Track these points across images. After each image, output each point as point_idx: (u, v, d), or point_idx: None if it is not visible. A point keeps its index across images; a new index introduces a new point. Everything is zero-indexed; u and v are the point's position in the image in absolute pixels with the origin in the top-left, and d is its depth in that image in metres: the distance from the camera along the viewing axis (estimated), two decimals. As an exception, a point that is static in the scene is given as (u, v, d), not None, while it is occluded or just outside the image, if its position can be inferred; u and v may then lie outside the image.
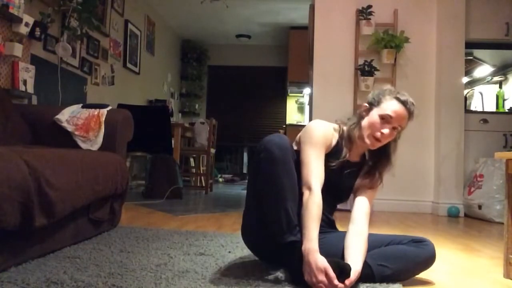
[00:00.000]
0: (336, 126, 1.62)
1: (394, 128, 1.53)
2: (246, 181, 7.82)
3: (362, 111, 1.59)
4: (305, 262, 1.30)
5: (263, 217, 1.43)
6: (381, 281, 1.43)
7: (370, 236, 1.52)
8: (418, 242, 1.52)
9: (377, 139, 1.53)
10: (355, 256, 1.40)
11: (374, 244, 1.51)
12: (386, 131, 1.51)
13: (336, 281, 1.26)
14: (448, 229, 3.04)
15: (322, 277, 1.26)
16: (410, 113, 1.54)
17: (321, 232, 1.45)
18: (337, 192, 1.63)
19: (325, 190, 1.45)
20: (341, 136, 1.60)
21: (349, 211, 1.62)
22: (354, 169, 1.63)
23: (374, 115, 1.54)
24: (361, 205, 1.59)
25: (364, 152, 1.65)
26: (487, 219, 3.52)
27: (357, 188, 1.65)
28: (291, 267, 1.38)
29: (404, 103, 1.52)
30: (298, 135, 1.57)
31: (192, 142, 5.55)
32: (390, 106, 1.52)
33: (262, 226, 1.45)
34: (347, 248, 1.44)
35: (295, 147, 1.54)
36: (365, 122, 1.55)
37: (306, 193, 1.42)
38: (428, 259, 1.51)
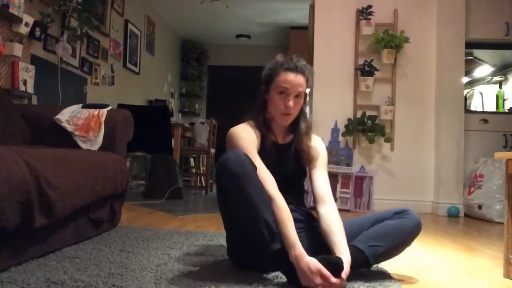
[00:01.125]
0: (251, 122, 1.63)
1: (296, 96, 1.53)
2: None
3: (261, 93, 1.60)
4: (297, 269, 1.29)
5: (244, 234, 1.41)
6: (376, 261, 1.44)
7: (355, 221, 1.53)
8: (401, 213, 1.54)
9: (287, 114, 1.54)
10: (340, 243, 1.39)
11: (360, 228, 1.52)
12: (290, 103, 1.52)
13: (333, 279, 1.25)
14: (448, 229, 3.04)
15: (318, 280, 1.25)
16: (306, 76, 1.54)
17: (304, 230, 1.45)
18: (292, 178, 1.62)
19: (279, 183, 1.45)
20: (259, 128, 1.60)
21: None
22: (290, 149, 1.63)
23: (272, 95, 1.55)
24: (320, 181, 1.58)
25: (289, 129, 1.65)
26: (487, 219, 3.52)
27: (306, 165, 1.64)
28: (287, 274, 1.37)
29: (294, 69, 1.52)
30: (227, 148, 1.54)
31: (192, 142, 5.55)
32: (282, 78, 1.52)
33: (246, 242, 1.43)
34: (328, 234, 1.43)
35: None
36: (269, 104, 1.58)
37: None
38: (414, 228, 1.52)
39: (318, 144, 1.66)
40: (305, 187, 1.75)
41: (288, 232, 1.33)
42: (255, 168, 1.41)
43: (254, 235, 1.35)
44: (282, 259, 1.33)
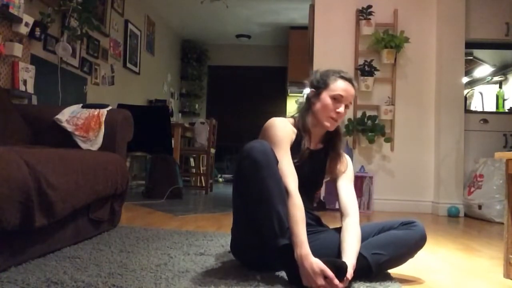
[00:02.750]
0: (291, 119, 1.66)
1: (346, 106, 1.59)
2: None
3: (311, 96, 1.62)
4: (300, 268, 1.29)
5: (254, 224, 1.41)
6: (379, 269, 1.44)
7: (361, 227, 1.53)
8: (408, 224, 1.54)
9: (334, 119, 1.58)
10: (350, 249, 1.40)
11: (366, 234, 1.52)
12: (341, 109, 1.57)
13: (336, 281, 1.25)
14: (448, 229, 3.04)
15: (321, 281, 1.25)
16: (355, 89, 1.62)
17: (312, 233, 1.45)
18: (311, 184, 1.65)
19: (300, 185, 1.46)
20: (298, 128, 1.62)
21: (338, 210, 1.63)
22: (320, 156, 1.66)
23: (325, 98, 1.58)
24: (346, 193, 1.60)
25: (322, 138, 1.68)
26: (487, 219, 3.52)
27: (332, 175, 1.67)
28: (289, 272, 1.37)
29: (350, 80, 1.59)
30: (260, 136, 1.57)
31: (192, 142, 5.55)
32: (339, 86, 1.57)
33: (254, 234, 1.43)
34: (341, 242, 1.45)
35: None
36: (317, 107, 1.59)
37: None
38: (419, 240, 1.52)
39: (347, 158, 1.71)
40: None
41: (299, 230, 1.34)
42: (277, 161, 1.42)
43: (264, 226, 1.35)
44: (287, 255, 1.33)
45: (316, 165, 1.64)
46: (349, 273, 1.30)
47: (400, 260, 1.51)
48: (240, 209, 1.53)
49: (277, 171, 1.40)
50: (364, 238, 1.50)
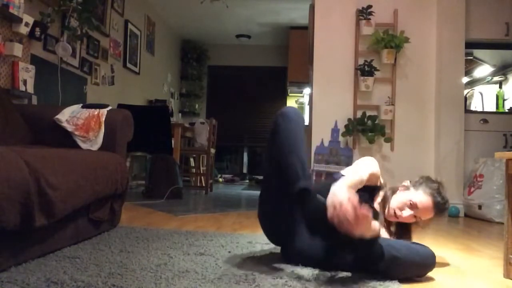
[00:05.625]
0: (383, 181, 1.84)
1: (415, 216, 1.68)
2: (246, 181, 7.84)
3: (401, 186, 1.77)
4: (332, 191, 1.33)
5: (279, 169, 1.51)
6: (390, 263, 1.43)
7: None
8: (421, 245, 1.58)
9: (395, 216, 1.69)
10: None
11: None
12: (405, 213, 1.67)
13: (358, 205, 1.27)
14: (448, 229, 3.04)
15: (347, 204, 1.26)
16: (437, 213, 1.70)
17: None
18: None
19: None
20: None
21: None
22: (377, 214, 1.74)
23: (406, 196, 1.70)
24: None
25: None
26: (487, 219, 3.52)
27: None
28: (307, 214, 1.44)
29: (436, 204, 1.68)
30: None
31: (192, 142, 5.55)
32: (422, 199, 1.67)
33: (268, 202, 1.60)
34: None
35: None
36: (397, 196, 1.72)
37: None
38: (430, 257, 1.54)
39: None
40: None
41: (359, 171, 1.57)
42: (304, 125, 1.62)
43: (289, 170, 1.46)
44: (307, 197, 1.42)
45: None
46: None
47: (410, 267, 1.50)
48: (266, 171, 1.70)
49: (303, 128, 1.58)
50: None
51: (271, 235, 1.75)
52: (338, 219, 1.27)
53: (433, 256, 1.54)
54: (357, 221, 1.25)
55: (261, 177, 7.60)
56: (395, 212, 1.67)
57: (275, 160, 1.55)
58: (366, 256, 1.43)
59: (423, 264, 1.53)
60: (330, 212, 1.29)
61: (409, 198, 1.68)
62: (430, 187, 1.70)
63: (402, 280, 1.49)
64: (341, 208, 1.26)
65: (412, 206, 1.66)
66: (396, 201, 1.70)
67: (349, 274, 1.52)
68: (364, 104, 4.03)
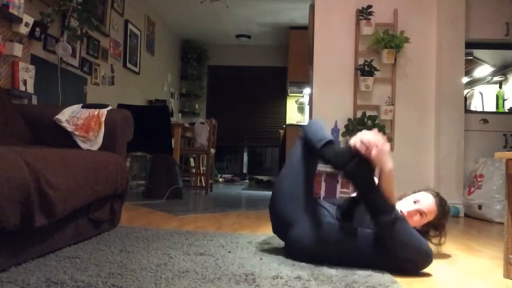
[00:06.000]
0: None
1: (420, 214, 1.89)
2: (246, 181, 7.84)
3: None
4: (355, 136, 1.63)
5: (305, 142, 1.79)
6: (396, 218, 1.57)
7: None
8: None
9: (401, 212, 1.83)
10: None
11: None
12: (411, 207, 1.89)
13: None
14: (448, 229, 3.01)
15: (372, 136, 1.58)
16: (439, 206, 1.96)
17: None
18: None
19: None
20: None
21: None
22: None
23: (409, 197, 1.98)
24: None
25: None
26: (487, 219, 3.52)
27: None
28: (333, 160, 1.65)
29: (437, 198, 1.96)
30: None
31: (192, 142, 5.55)
32: (424, 194, 1.96)
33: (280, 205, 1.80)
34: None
35: None
36: (403, 200, 1.96)
37: None
38: (427, 249, 1.61)
39: None
40: None
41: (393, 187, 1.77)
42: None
43: (312, 136, 1.74)
44: (332, 144, 1.68)
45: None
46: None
47: (410, 242, 1.56)
48: (292, 152, 1.90)
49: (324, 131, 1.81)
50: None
51: (277, 224, 1.86)
52: (368, 144, 1.58)
53: (431, 250, 1.61)
54: (383, 146, 1.60)
55: (261, 177, 7.62)
56: (401, 210, 1.80)
57: (303, 140, 1.81)
58: (376, 201, 1.61)
59: (421, 249, 1.58)
60: (357, 141, 1.60)
61: (412, 196, 1.94)
62: (429, 191, 1.99)
63: (402, 281, 1.49)
64: (375, 136, 1.60)
65: (415, 201, 1.90)
66: (401, 202, 1.93)
67: (349, 274, 1.52)
68: (364, 104, 4.03)
